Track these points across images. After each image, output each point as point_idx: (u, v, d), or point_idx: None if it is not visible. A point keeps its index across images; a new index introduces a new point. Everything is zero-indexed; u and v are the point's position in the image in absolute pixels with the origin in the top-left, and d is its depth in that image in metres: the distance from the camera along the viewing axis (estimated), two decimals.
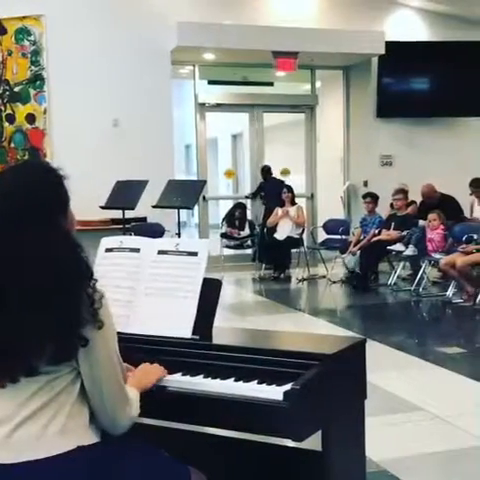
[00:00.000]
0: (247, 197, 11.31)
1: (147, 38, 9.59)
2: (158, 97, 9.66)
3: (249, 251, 10.83)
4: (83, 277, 1.70)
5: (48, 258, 1.65)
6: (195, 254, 2.31)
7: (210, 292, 2.26)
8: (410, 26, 10.96)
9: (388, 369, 4.97)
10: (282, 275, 9.60)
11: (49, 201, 1.74)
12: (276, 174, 11.08)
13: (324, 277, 9.44)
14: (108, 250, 2.42)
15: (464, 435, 3.72)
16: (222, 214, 11.51)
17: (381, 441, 3.44)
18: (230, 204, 11.46)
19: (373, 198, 9.46)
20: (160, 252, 2.36)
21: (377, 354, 5.13)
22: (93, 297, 1.69)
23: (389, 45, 10.23)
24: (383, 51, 10.27)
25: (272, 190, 10.45)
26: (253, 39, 9.67)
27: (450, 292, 7.81)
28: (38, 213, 1.70)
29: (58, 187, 1.78)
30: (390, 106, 10.83)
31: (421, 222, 8.88)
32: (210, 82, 11.25)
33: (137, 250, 2.39)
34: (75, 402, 1.72)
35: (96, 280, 1.72)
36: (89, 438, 1.73)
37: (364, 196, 9.67)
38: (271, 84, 11.76)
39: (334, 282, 9.16)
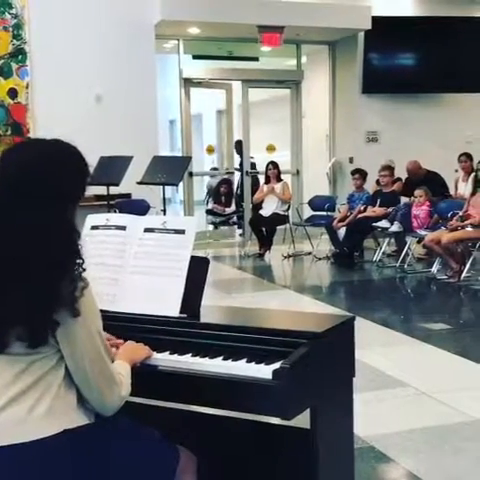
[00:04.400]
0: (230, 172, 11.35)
1: (131, 12, 9.44)
2: (142, 72, 9.54)
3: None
4: (70, 262, 1.66)
5: (41, 233, 1.63)
6: (182, 232, 2.28)
7: (198, 270, 2.23)
8: (397, 1, 10.87)
9: (374, 345, 4.98)
10: (268, 252, 9.59)
11: (67, 185, 1.73)
12: (262, 150, 11.06)
13: (310, 254, 9.44)
14: (94, 227, 2.39)
15: (450, 411, 3.75)
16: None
17: (367, 417, 3.45)
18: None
19: (362, 174, 9.44)
20: (147, 230, 2.33)
21: (362, 331, 5.09)
22: (76, 285, 1.65)
23: (375, 20, 10.16)
24: (369, 26, 10.21)
25: None
26: (238, 13, 9.55)
27: (435, 268, 7.85)
28: (49, 190, 1.68)
29: (81, 178, 1.78)
30: (376, 82, 10.78)
31: (404, 199, 8.89)
32: (195, 57, 11.13)
33: (123, 228, 2.36)
34: (62, 384, 1.69)
35: (84, 269, 1.69)
36: (77, 420, 1.70)
37: (353, 172, 9.64)
38: (256, 59, 11.66)
39: (320, 259, 9.17)
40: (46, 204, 1.66)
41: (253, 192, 10.39)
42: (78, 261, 1.67)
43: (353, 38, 10.79)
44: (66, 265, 1.65)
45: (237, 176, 11.54)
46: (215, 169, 12.73)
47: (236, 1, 9.66)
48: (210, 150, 12.98)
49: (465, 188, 8.85)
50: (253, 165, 11.66)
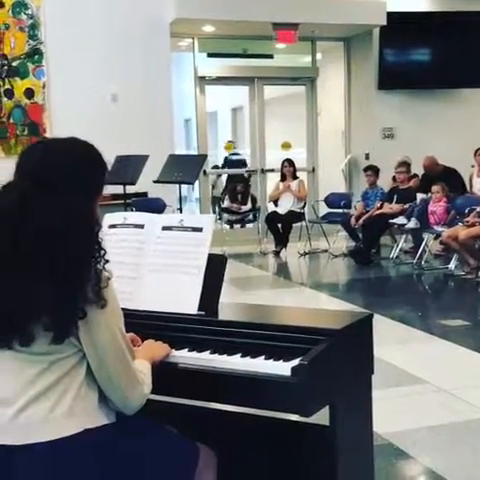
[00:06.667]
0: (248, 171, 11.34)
1: (146, 10, 9.47)
2: (157, 70, 9.56)
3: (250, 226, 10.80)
4: (94, 254, 1.68)
5: (64, 228, 1.64)
6: (200, 230, 2.29)
7: (215, 268, 2.24)
8: None
9: (391, 342, 4.97)
10: (284, 249, 9.58)
11: (85, 179, 1.76)
12: (277, 148, 11.06)
13: (326, 251, 9.42)
14: (111, 226, 2.40)
15: (469, 407, 3.73)
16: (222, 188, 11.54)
17: (386, 414, 3.43)
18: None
19: (374, 171, 9.41)
20: (164, 228, 2.34)
21: (380, 327, 5.09)
22: (100, 276, 1.67)
23: (390, 16, 10.10)
24: (385, 22, 10.16)
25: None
26: (253, 11, 9.54)
27: (452, 265, 7.80)
28: (73, 185, 1.71)
29: (100, 172, 1.82)
30: (392, 78, 10.73)
31: (420, 195, 8.83)
32: (210, 55, 11.13)
33: (141, 226, 2.37)
34: (83, 384, 1.70)
35: (107, 261, 1.71)
36: (97, 420, 1.70)
37: (365, 169, 9.61)
38: (271, 56, 11.63)
39: (336, 256, 9.15)
40: (67, 198, 1.67)
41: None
42: (101, 252, 1.69)
43: (368, 34, 10.75)
44: (90, 257, 1.67)
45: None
46: (216, 167, 12.74)
47: None
48: (229, 147, 12.97)
49: None
50: (244, 162, 11.72)
